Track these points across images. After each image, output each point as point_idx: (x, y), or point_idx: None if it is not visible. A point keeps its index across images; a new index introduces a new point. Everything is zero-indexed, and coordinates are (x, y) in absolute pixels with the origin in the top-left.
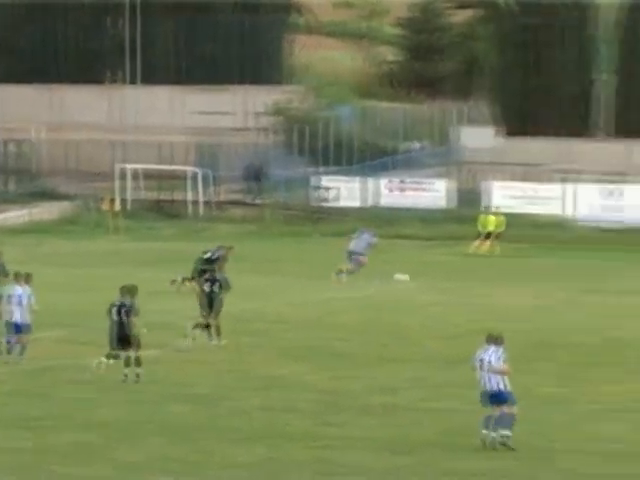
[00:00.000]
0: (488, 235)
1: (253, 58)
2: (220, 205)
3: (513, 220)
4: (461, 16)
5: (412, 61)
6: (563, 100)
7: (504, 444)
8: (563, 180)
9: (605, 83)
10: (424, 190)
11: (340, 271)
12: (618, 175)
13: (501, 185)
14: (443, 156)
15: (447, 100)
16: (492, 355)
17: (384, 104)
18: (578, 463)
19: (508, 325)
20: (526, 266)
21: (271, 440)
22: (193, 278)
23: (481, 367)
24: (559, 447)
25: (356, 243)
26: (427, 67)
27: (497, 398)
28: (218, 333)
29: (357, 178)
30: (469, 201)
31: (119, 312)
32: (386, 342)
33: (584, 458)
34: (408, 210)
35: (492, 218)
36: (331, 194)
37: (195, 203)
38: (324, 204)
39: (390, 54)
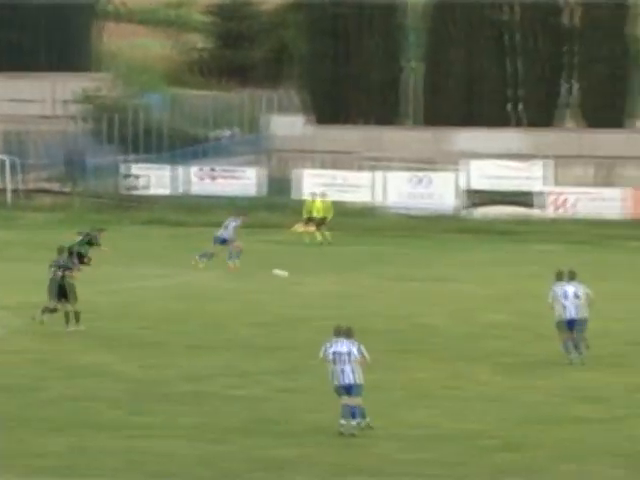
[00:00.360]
0: (311, 220)
1: (61, 45)
2: (28, 193)
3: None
4: (271, 4)
5: (222, 49)
6: (372, 88)
7: (362, 429)
8: (373, 168)
9: (414, 71)
10: (235, 178)
11: (205, 255)
12: (427, 163)
13: (311, 173)
14: (254, 144)
15: (257, 88)
16: (352, 348)
17: (194, 92)
18: (392, 449)
19: (318, 312)
20: (336, 253)
21: (82, 429)
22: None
23: (339, 360)
24: (373, 433)
25: (224, 231)
26: (237, 55)
27: (351, 390)
28: (77, 319)
29: (167, 166)
30: (280, 189)
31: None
32: (196, 330)
33: (397, 444)
34: (219, 198)
35: (319, 204)
36: (141, 182)
37: (2, 191)
38: (134, 192)
39: (200, 42)
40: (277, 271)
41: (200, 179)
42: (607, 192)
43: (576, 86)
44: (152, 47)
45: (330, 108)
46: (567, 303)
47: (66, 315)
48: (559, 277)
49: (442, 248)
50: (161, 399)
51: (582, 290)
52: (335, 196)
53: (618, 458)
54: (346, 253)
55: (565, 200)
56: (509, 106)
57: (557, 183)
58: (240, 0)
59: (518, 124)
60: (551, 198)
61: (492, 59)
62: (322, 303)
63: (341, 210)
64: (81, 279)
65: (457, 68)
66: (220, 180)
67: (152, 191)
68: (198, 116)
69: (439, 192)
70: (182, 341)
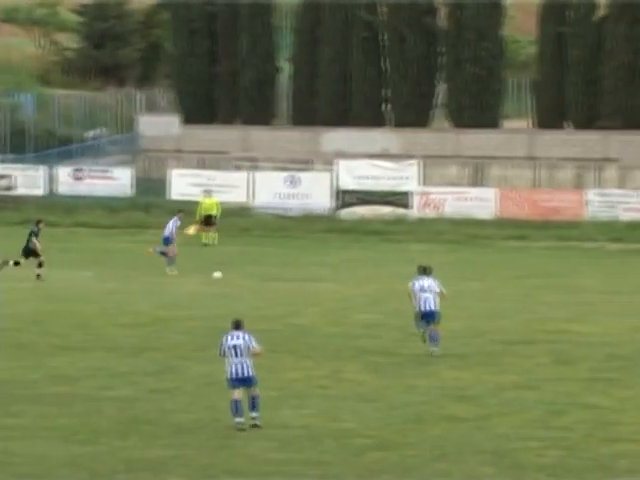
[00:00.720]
0: (209, 219)
1: None
2: None
3: (195, 208)
4: (142, 3)
5: (92, 48)
6: (246, 88)
7: (255, 425)
8: (245, 168)
9: (288, 72)
10: (106, 178)
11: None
12: (300, 163)
13: (183, 173)
14: (125, 144)
15: (129, 88)
16: (248, 340)
17: (65, 91)
18: (264, 449)
19: (188, 312)
20: (210, 253)
21: None
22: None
23: (235, 354)
24: (244, 434)
25: (165, 230)
26: (108, 54)
27: (247, 382)
28: None
29: (35, 166)
30: (152, 189)
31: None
32: (66, 332)
33: (270, 444)
34: (89, 198)
35: (214, 202)
36: (6, 182)
37: None
38: (2, 192)
39: (70, 41)
40: (216, 274)
41: (70, 179)
42: (476, 192)
43: (446, 87)
44: (20, 46)
45: (202, 108)
46: (425, 295)
47: None
48: (420, 272)
49: (316, 248)
50: (30, 400)
51: (437, 286)
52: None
53: (487, 456)
54: (220, 253)
55: (435, 200)
56: (383, 106)
57: (429, 183)
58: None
59: (392, 124)
60: (422, 198)
61: (365, 59)
62: (193, 303)
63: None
64: None
65: (327, 68)
66: (91, 180)
67: (20, 191)
68: (69, 116)
69: (313, 192)
70: (52, 342)
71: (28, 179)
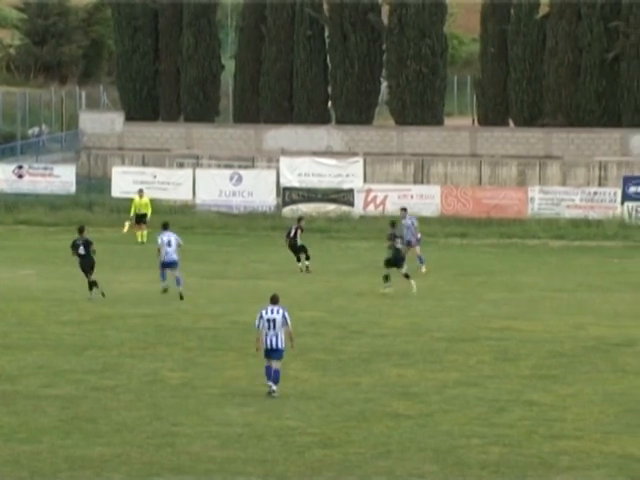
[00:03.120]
0: (141, 218)
1: None
2: None
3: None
4: (84, 0)
5: (34, 45)
6: (189, 85)
7: (272, 393)
8: (188, 165)
9: (231, 70)
10: (48, 176)
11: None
12: (243, 160)
13: (126, 171)
14: (68, 142)
15: (71, 85)
16: (283, 316)
17: (6, 89)
18: (206, 447)
19: (129, 310)
20: (152, 251)
21: None
22: None
23: (271, 327)
24: (181, 431)
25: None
26: (50, 51)
27: (277, 354)
28: None
29: None
30: (94, 187)
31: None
32: (7, 329)
33: (212, 442)
34: (31, 196)
35: (146, 201)
36: None
37: None
38: None
39: (11, 38)
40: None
41: (12, 177)
42: (419, 189)
43: (388, 84)
44: None
45: (145, 105)
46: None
47: None
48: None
49: (259, 246)
50: None
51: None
52: (148, 194)
53: (430, 453)
54: None
55: (379, 198)
56: (327, 104)
57: (373, 181)
58: None
59: (336, 122)
60: (365, 196)
61: (309, 57)
62: (134, 301)
63: (157, 208)
64: None
65: (270, 66)
66: (33, 178)
67: None
68: (9, 114)
69: (256, 190)
70: None
71: None
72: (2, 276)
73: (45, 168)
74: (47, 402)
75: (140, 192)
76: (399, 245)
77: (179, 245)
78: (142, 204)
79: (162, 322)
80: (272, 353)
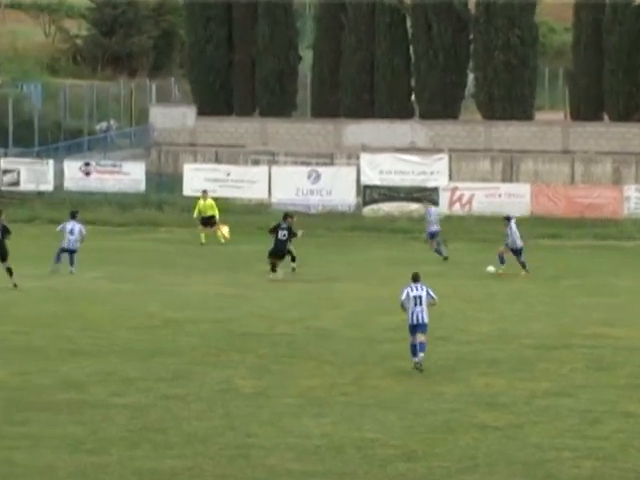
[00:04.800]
0: (208, 220)
1: None
2: None
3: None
4: None
5: (102, 36)
6: (264, 78)
7: (419, 366)
8: (263, 162)
9: (309, 61)
10: (117, 173)
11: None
12: (320, 157)
13: (198, 168)
14: (137, 137)
15: (141, 77)
16: (427, 292)
17: (73, 81)
18: (282, 460)
19: (201, 314)
20: (226, 253)
21: None
22: None
23: (420, 303)
24: (256, 443)
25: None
26: (119, 42)
27: (422, 328)
28: None
29: (43, 160)
30: (165, 185)
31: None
32: (73, 335)
33: (288, 454)
34: (99, 194)
35: (211, 202)
36: (11, 177)
37: None
38: (4, 188)
39: (79, 28)
40: (490, 268)
41: (79, 174)
42: (508, 188)
43: (475, 76)
44: (27, 34)
45: (218, 99)
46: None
47: None
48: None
49: (338, 247)
50: (37, 408)
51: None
52: (223, 192)
53: (519, 466)
54: (236, 253)
55: (465, 196)
56: (410, 97)
57: (458, 178)
58: None
59: (419, 116)
60: (451, 194)
61: (391, 47)
62: (206, 305)
63: (231, 207)
64: None
65: (350, 57)
66: (101, 175)
67: (23, 187)
68: (78, 107)
69: (335, 188)
70: (59, 346)
71: (34, 174)
72: (69, 279)
73: (113, 165)
74: (115, 411)
75: (204, 193)
76: (283, 237)
77: (82, 235)
78: (207, 206)
79: (234, 327)
80: (418, 328)
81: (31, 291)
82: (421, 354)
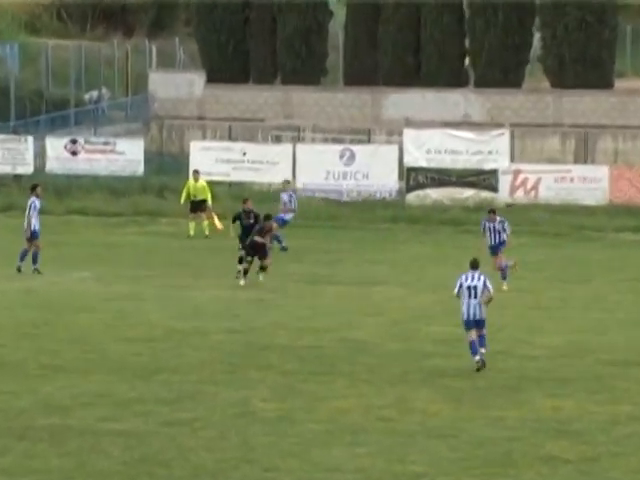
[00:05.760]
0: (198, 205)
1: None
2: None
3: (221, 190)
4: None
5: None
6: (287, 39)
7: (481, 363)
8: (285, 139)
9: (342, 19)
10: (110, 152)
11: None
12: (355, 133)
13: (207, 146)
14: (134, 109)
15: (139, 37)
16: (484, 282)
17: (56, 42)
18: None
19: (211, 324)
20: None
21: None
22: None
23: (473, 295)
24: (277, 478)
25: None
26: None
27: (480, 324)
28: None
29: (21, 137)
30: (167, 167)
31: None
32: (56, 348)
33: None
34: (88, 178)
35: (203, 184)
36: None
37: None
38: None
39: None
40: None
41: (64, 153)
42: (582, 170)
43: (542, 36)
44: None
45: (231, 63)
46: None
47: None
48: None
49: (376, 242)
50: (13, 435)
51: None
52: (240, 176)
53: None
54: None
55: (530, 181)
56: (466, 61)
57: (522, 159)
58: None
59: (474, 84)
60: (513, 178)
61: (440, 1)
62: (218, 312)
63: (245, 193)
64: None
65: (391, 14)
66: (90, 155)
67: (11, 169)
68: (62, 72)
69: (373, 171)
70: (39, 361)
71: (9, 153)
72: (52, 280)
73: (105, 143)
74: (107, 440)
75: (195, 174)
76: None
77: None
78: (198, 189)
79: (253, 339)
80: (473, 324)
81: (6, 294)
82: (482, 350)
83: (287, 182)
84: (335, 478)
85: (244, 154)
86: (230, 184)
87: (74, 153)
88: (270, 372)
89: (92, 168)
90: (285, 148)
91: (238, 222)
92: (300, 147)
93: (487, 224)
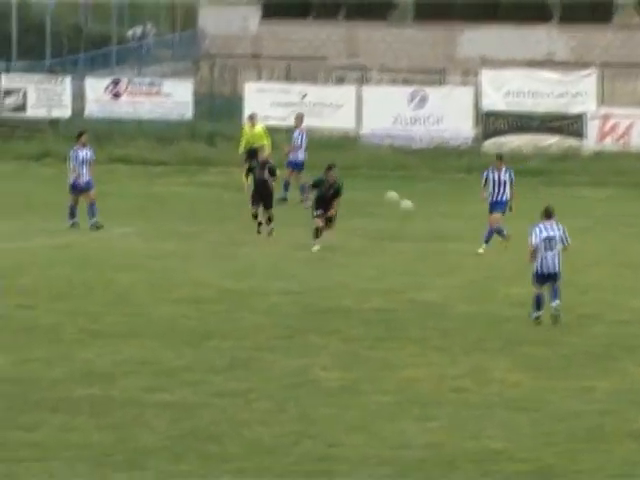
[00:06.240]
0: (256, 153)
1: None
2: None
3: (277, 137)
4: None
5: None
6: None
7: (558, 314)
8: (349, 80)
9: None
10: (155, 95)
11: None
12: (426, 74)
13: (261, 88)
14: (182, 47)
15: None
16: (562, 232)
17: None
18: (366, 477)
19: (272, 284)
20: (293, 201)
21: None
22: None
23: (551, 247)
24: (340, 454)
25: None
26: None
27: (554, 278)
28: None
29: (58, 78)
30: (219, 111)
31: None
32: (97, 310)
33: (373, 470)
34: (131, 123)
35: (260, 130)
36: (15, 100)
37: None
38: (6, 114)
39: None
40: (404, 202)
41: (104, 96)
42: None
43: None
44: None
45: None
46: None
47: None
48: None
49: (449, 194)
50: (48, 407)
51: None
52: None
53: None
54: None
55: (620, 126)
56: None
57: (612, 102)
58: None
59: (559, 19)
60: (602, 124)
61: None
62: (275, 271)
63: (312, 141)
64: None
65: None
66: (133, 97)
67: (31, 113)
68: (102, 6)
69: (446, 115)
70: (80, 325)
71: (45, 95)
72: (92, 235)
73: (151, 84)
74: (152, 412)
75: (251, 118)
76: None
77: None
78: (255, 135)
79: (313, 301)
80: (548, 278)
81: (41, 252)
82: (557, 301)
83: (300, 118)
84: (403, 455)
85: (303, 97)
86: (287, 130)
87: (116, 95)
88: (332, 338)
89: (136, 112)
90: (349, 90)
91: (317, 190)
92: (366, 89)
93: (490, 174)
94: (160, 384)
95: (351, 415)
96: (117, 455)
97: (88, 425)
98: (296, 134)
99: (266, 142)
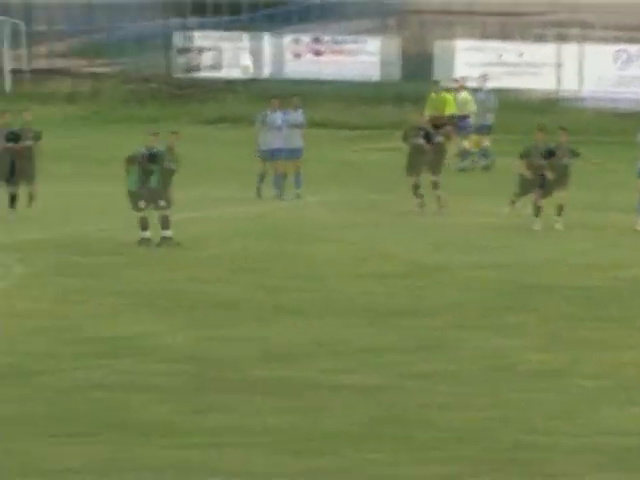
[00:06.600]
0: (437, 121)
1: None
2: (37, 76)
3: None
4: None
5: None
6: None
7: None
8: (560, 38)
9: None
10: (349, 54)
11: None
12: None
13: (467, 46)
14: (378, 3)
15: None
16: None
17: None
18: (585, 466)
19: (468, 258)
20: (502, 170)
21: (114, 434)
22: None
23: None
24: (541, 442)
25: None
26: None
27: None
28: None
29: (247, 35)
30: (417, 70)
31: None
32: (279, 285)
33: (578, 459)
34: (332, 85)
35: (445, 96)
36: (206, 59)
37: None
38: (195, 74)
39: None
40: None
41: (296, 55)
42: None
43: None
44: None
45: None
46: None
47: None
48: None
49: None
50: (232, 389)
51: None
52: (501, 81)
53: None
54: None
55: None
56: None
57: None
58: None
59: None
60: None
61: None
62: (472, 244)
63: (509, 103)
64: (101, 205)
65: None
66: (326, 57)
67: (224, 73)
68: None
69: None
70: (259, 301)
71: (235, 54)
72: (279, 205)
73: (354, 42)
74: (339, 396)
75: (435, 84)
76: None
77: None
78: (438, 101)
79: (513, 277)
80: None
81: (230, 222)
82: None
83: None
84: (605, 442)
85: (513, 56)
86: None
87: (317, 54)
88: (532, 316)
89: (338, 72)
90: (563, 49)
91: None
92: (582, 47)
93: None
94: (342, 365)
95: (549, 400)
96: (304, 441)
97: (263, 409)
98: (482, 96)
99: (453, 109)
